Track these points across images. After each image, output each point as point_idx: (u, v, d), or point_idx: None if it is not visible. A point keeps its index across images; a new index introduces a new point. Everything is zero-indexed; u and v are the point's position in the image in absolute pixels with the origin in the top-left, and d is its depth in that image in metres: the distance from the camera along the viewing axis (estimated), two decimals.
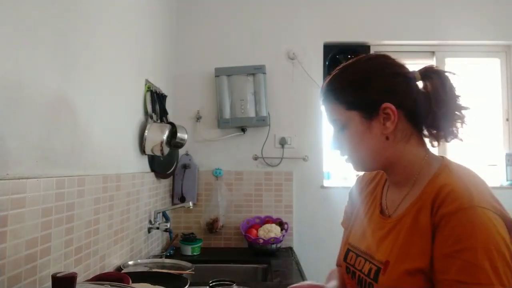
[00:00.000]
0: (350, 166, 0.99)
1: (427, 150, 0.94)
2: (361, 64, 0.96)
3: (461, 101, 0.91)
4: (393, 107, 0.89)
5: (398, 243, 0.86)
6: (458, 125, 0.91)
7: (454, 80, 0.91)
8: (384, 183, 1.03)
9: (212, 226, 2.59)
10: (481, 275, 0.72)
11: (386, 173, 1.00)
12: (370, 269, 0.91)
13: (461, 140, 0.92)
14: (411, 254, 0.82)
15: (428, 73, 0.93)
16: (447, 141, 0.92)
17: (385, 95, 0.90)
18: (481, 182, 0.85)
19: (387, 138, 0.91)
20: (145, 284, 1.40)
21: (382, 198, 1.01)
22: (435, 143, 0.94)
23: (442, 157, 0.94)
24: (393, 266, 0.85)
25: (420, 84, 0.93)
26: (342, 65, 0.98)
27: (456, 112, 0.90)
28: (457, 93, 0.91)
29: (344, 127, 0.94)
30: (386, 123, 0.89)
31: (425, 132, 0.94)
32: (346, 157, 0.98)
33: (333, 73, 0.98)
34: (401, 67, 0.94)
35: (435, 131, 0.92)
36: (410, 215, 0.86)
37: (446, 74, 0.92)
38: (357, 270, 0.96)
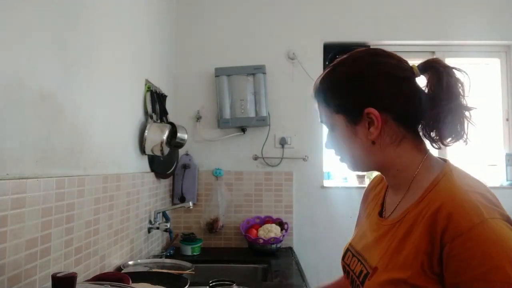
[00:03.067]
0: (344, 166, 0.98)
1: (426, 153, 0.88)
2: (349, 63, 0.91)
3: (464, 100, 0.83)
4: (376, 112, 0.84)
5: (389, 251, 0.82)
6: (459, 127, 0.83)
7: (455, 76, 0.84)
8: (387, 185, 1.00)
9: (212, 226, 2.59)
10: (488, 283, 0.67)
11: (383, 175, 0.96)
12: (361, 271, 0.89)
13: (465, 143, 0.85)
14: (398, 264, 0.78)
15: (426, 68, 0.86)
16: (444, 144, 0.85)
17: (368, 100, 0.85)
18: (485, 189, 0.78)
19: (373, 143, 0.87)
20: (145, 284, 1.40)
21: (384, 199, 0.98)
22: (436, 146, 0.87)
23: (445, 161, 0.88)
24: (379, 273, 0.82)
25: (421, 80, 0.86)
26: (336, 60, 0.93)
27: (458, 112, 0.82)
28: (458, 90, 0.83)
29: (333, 129, 0.93)
30: (370, 128, 0.86)
31: (421, 134, 0.88)
32: (339, 157, 0.96)
33: (326, 70, 0.94)
34: (393, 66, 0.87)
35: (432, 133, 0.86)
36: (406, 223, 0.81)
37: (442, 69, 0.84)
38: (351, 270, 0.95)
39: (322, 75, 0.94)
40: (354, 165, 0.95)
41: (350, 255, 0.98)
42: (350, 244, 1.02)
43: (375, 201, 1.02)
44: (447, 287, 0.72)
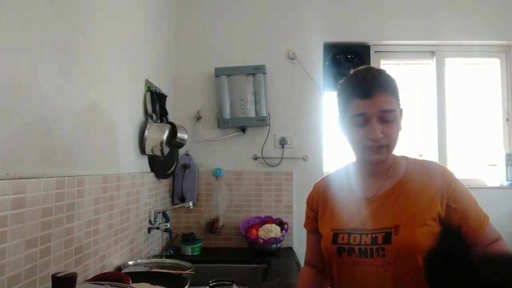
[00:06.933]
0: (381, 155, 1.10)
1: None
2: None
3: None
4: None
5: (402, 209, 1.08)
6: None
7: None
8: (347, 180, 1.22)
9: (212, 226, 2.59)
10: (474, 202, 1.13)
11: (380, 163, 1.14)
12: (374, 238, 1.07)
13: None
14: (421, 211, 1.07)
15: None
16: None
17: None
18: None
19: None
20: (145, 284, 1.40)
21: (354, 187, 1.19)
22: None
23: (404, 156, 1.21)
24: (405, 225, 1.05)
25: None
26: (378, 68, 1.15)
27: None
28: None
29: (395, 118, 1.08)
30: (401, 119, 1.13)
31: None
32: (389, 144, 1.10)
33: (379, 70, 1.12)
34: None
35: None
36: (406, 188, 1.11)
37: None
38: (355, 245, 1.09)
39: (382, 73, 1.11)
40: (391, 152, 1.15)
41: (345, 236, 1.12)
42: (335, 230, 1.14)
43: (341, 194, 1.20)
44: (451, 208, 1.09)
